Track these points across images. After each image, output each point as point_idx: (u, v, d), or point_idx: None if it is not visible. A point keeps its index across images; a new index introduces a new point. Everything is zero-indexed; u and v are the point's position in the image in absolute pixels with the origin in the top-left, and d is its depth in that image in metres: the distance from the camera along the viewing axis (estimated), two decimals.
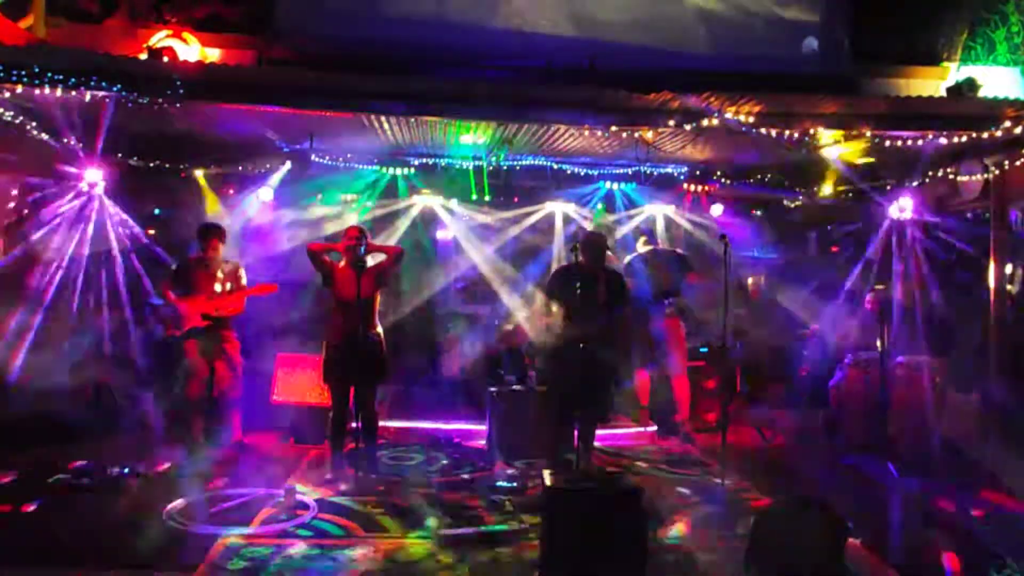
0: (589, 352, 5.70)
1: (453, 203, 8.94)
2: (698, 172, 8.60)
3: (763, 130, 6.08)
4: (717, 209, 8.77)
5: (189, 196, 7.95)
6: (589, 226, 8.80)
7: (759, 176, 8.51)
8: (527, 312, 8.23)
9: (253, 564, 4.27)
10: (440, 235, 9.48)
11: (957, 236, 7.65)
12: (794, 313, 8.56)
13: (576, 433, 5.90)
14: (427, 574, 4.29)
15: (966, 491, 5.63)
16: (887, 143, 6.47)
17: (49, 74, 5.21)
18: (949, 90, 7.30)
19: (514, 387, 7.21)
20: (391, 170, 8.29)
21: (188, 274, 6.36)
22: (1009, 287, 7.14)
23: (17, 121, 6.01)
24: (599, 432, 6.45)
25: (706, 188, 8.64)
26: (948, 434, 6.64)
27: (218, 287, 6.28)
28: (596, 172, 8.57)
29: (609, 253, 6.69)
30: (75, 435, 6.41)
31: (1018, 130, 5.99)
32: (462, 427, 7.58)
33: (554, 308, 5.99)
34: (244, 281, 6.43)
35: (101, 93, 5.39)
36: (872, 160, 7.35)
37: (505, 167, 8.15)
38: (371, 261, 5.97)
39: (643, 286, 7.43)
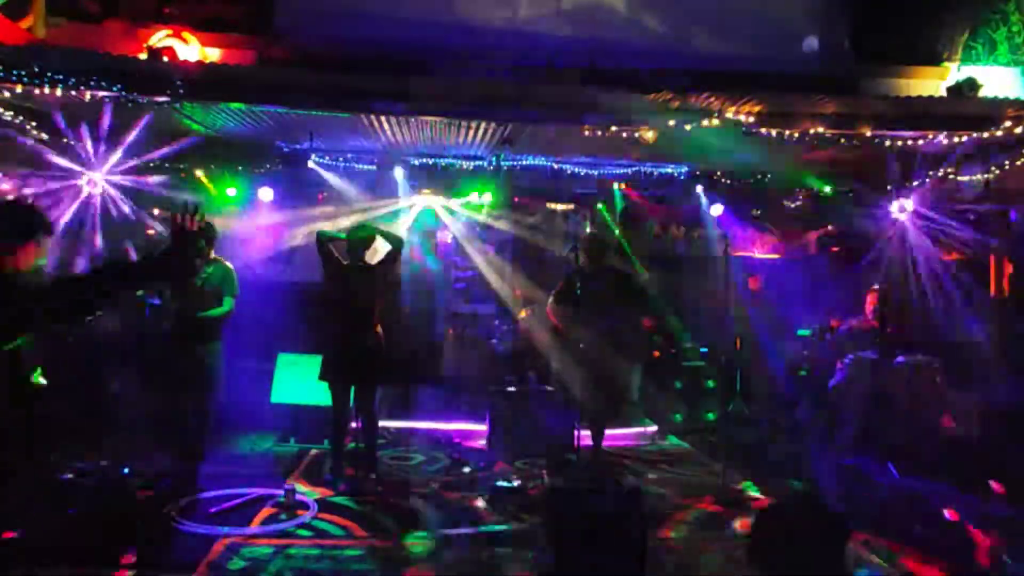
0: (597, 353, 5.74)
1: (453, 203, 8.94)
2: (698, 172, 8.60)
3: (763, 130, 6.09)
4: (717, 209, 8.76)
5: (189, 196, 7.93)
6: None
7: (759, 176, 8.51)
8: (527, 313, 8.24)
9: (253, 564, 4.27)
10: (440, 235, 9.49)
11: (957, 236, 7.65)
12: (794, 313, 8.56)
13: (577, 433, 5.92)
14: (427, 574, 4.29)
15: (966, 491, 5.62)
16: (887, 143, 6.48)
17: (49, 74, 5.21)
18: (949, 90, 7.30)
19: (514, 387, 7.21)
20: (392, 170, 8.30)
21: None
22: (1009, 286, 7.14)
23: (17, 121, 6.01)
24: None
25: None
26: (948, 434, 6.64)
27: (201, 290, 5.90)
28: (596, 172, 8.57)
29: None
30: (75, 435, 6.40)
31: (1018, 130, 5.99)
32: (462, 427, 7.58)
33: (563, 311, 6.03)
34: (234, 286, 6.02)
35: (101, 93, 5.39)
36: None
37: (505, 167, 8.15)
38: (380, 251, 5.95)
39: None
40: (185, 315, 5.85)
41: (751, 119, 5.96)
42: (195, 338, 5.85)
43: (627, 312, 6.08)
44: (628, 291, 6.10)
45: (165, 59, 6.72)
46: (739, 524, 5.00)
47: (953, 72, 8.17)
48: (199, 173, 7.86)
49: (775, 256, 9.46)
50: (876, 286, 7.57)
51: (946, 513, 4.80)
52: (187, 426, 5.97)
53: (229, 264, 6.07)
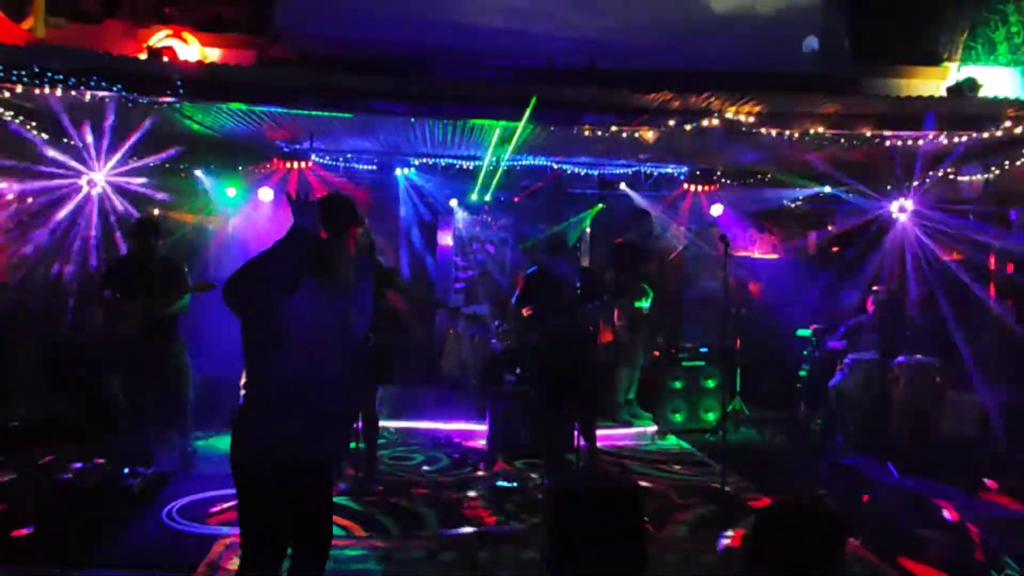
0: (567, 349, 5.73)
1: (453, 203, 8.94)
2: (698, 172, 8.60)
3: (763, 130, 6.10)
4: (717, 209, 8.76)
5: (189, 196, 7.94)
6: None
7: (759, 176, 8.52)
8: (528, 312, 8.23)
9: None
10: (440, 236, 9.48)
11: (957, 236, 7.65)
12: (794, 313, 8.56)
13: (576, 433, 5.92)
14: (427, 574, 4.29)
15: (966, 491, 5.63)
16: (887, 143, 6.49)
17: (49, 74, 5.22)
18: (949, 90, 7.31)
19: (514, 387, 7.20)
20: (391, 170, 8.30)
21: (120, 274, 5.94)
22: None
23: (17, 121, 6.01)
24: (600, 432, 6.46)
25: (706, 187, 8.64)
26: (948, 434, 6.65)
27: (150, 287, 5.82)
28: (596, 172, 8.57)
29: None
30: (75, 435, 6.40)
31: (1018, 130, 6.00)
32: (462, 427, 7.58)
33: (528, 309, 6.02)
34: (187, 281, 5.99)
35: (101, 93, 5.39)
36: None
37: (505, 167, 8.15)
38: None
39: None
40: (146, 313, 5.83)
41: (751, 119, 5.96)
42: (158, 335, 5.89)
43: (588, 308, 6.05)
44: (591, 287, 6.09)
45: (165, 59, 6.72)
46: (739, 524, 5.00)
47: (953, 72, 8.18)
48: (199, 173, 7.86)
49: (775, 256, 9.46)
50: (876, 287, 7.58)
51: (946, 513, 4.81)
52: (163, 422, 6.07)
53: (180, 261, 6.15)
